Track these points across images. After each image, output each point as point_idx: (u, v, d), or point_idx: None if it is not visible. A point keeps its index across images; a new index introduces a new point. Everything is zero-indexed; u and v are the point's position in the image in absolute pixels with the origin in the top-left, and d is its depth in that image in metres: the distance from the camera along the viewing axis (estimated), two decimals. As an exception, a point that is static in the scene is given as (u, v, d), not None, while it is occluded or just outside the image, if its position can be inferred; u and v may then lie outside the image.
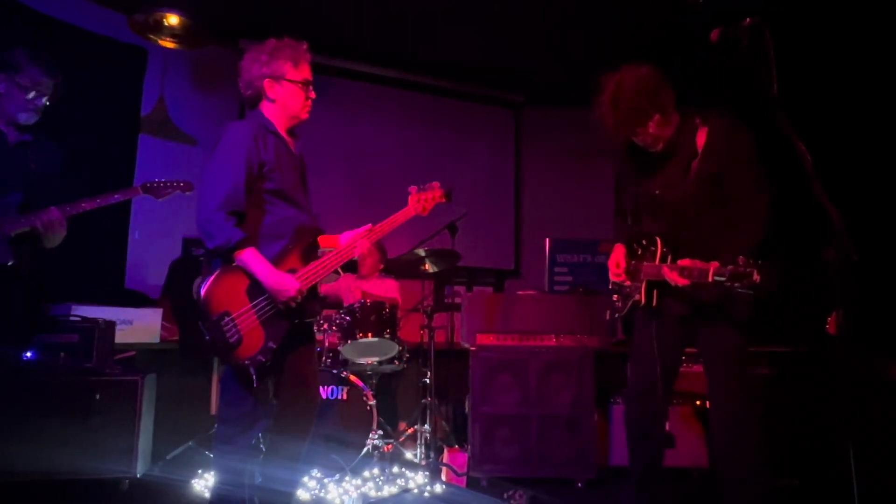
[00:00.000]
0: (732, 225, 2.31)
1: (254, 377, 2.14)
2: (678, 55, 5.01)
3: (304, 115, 2.38)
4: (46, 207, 2.53)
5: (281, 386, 2.38)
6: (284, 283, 2.16)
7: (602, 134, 2.41)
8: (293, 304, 2.19)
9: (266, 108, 2.35)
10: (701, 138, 2.39)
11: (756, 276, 2.06)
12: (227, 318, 2.12)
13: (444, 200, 2.61)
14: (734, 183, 2.33)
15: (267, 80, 2.30)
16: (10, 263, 2.47)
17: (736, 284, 2.08)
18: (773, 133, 1.81)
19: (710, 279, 2.14)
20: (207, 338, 2.13)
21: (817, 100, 4.21)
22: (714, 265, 2.13)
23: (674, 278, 2.28)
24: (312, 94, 2.38)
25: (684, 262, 2.26)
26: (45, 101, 2.64)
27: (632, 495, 2.55)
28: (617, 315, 2.62)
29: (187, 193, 2.78)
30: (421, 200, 2.55)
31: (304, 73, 2.35)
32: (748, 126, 2.39)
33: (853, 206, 2.16)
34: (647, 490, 2.54)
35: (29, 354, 3.23)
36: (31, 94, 2.59)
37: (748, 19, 1.86)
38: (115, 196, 2.63)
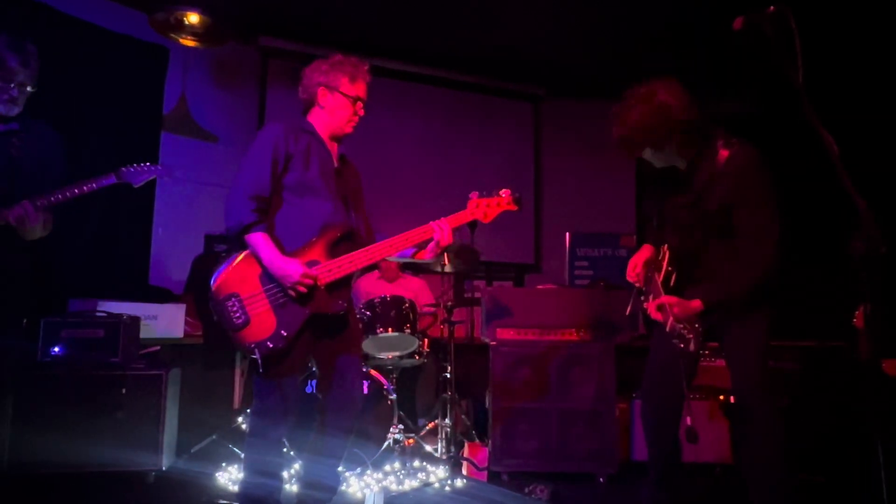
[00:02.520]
0: (735, 260, 2.29)
1: (259, 362, 2.17)
2: (699, 46, 4.97)
3: (349, 129, 2.47)
4: (40, 193, 2.56)
5: (319, 382, 2.42)
6: (288, 268, 2.18)
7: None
8: (302, 290, 2.19)
9: (314, 114, 2.45)
10: (718, 165, 2.32)
11: (692, 346, 2.19)
12: (233, 300, 2.17)
13: (513, 208, 2.52)
14: (741, 219, 2.29)
15: (322, 87, 2.41)
16: None
17: (675, 340, 2.22)
18: (798, 123, 1.77)
19: (668, 328, 2.25)
20: (215, 318, 2.18)
21: (844, 85, 4.12)
22: (670, 321, 2.24)
23: (651, 312, 2.33)
24: (361, 112, 2.46)
25: (664, 299, 2.29)
26: (26, 89, 2.62)
27: (652, 491, 2.54)
28: (634, 310, 2.61)
29: (165, 179, 2.80)
30: (481, 206, 2.48)
31: (359, 90, 2.44)
32: (765, 154, 2.32)
33: (881, 197, 2.12)
34: (666, 486, 2.52)
35: (56, 350, 3.29)
36: (3, 84, 2.57)
37: (772, 7, 1.82)
38: (91, 184, 2.63)
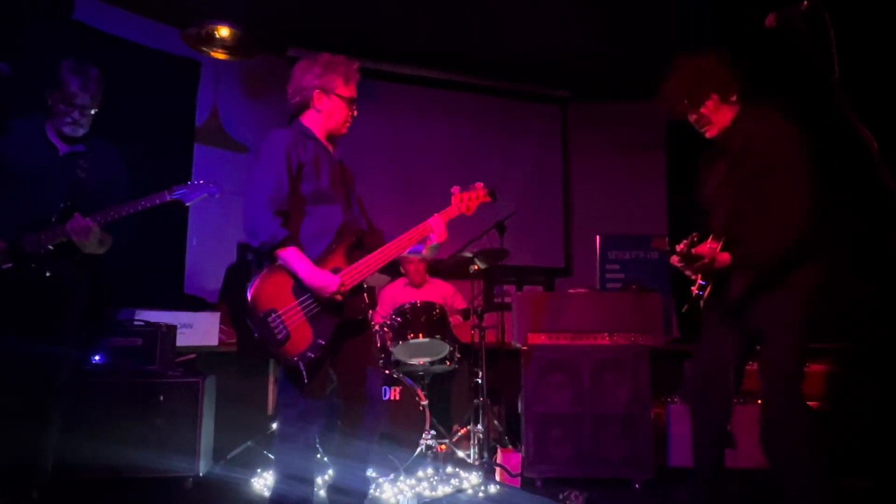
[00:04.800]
0: (770, 225, 2.30)
1: (304, 373, 2.19)
2: (729, 44, 4.89)
3: (344, 130, 2.48)
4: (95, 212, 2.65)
5: (340, 385, 2.44)
6: (324, 279, 2.21)
7: (662, 111, 2.50)
8: (338, 299, 2.23)
9: (309, 117, 2.45)
10: (752, 131, 2.38)
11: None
12: (273, 315, 2.18)
13: (488, 200, 2.63)
14: (773, 183, 2.31)
15: (317, 90, 2.41)
16: (47, 275, 2.58)
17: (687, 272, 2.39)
18: (835, 119, 1.73)
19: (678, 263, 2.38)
20: (256, 335, 2.19)
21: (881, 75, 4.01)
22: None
23: (674, 261, 2.43)
24: (355, 112, 2.47)
25: (695, 249, 2.37)
26: (90, 112, 2.71)
27: (697, 496, 2.50)
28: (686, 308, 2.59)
29: (216, 196, 2.85)
30: (464, 200, 2.58)
31: (352, 91, 2.45)
32: (797, 119, 2.36)
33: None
34: (712, 491, 2.48)
35: (97, 358, 3.38)
36: (66, 108, 2.66)
37: (805, 2, 1.78)
38: (144, 202, 2.70)
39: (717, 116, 2.44)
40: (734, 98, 2.43)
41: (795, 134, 2.34)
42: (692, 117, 2.48)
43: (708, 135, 2.49)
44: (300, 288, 2.23)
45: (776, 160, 2.30)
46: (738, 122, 2.43)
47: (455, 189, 2.59)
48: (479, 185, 2.61)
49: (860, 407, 3.42)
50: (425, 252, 2.56)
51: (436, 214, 2.50)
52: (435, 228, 2.46)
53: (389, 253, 2.40)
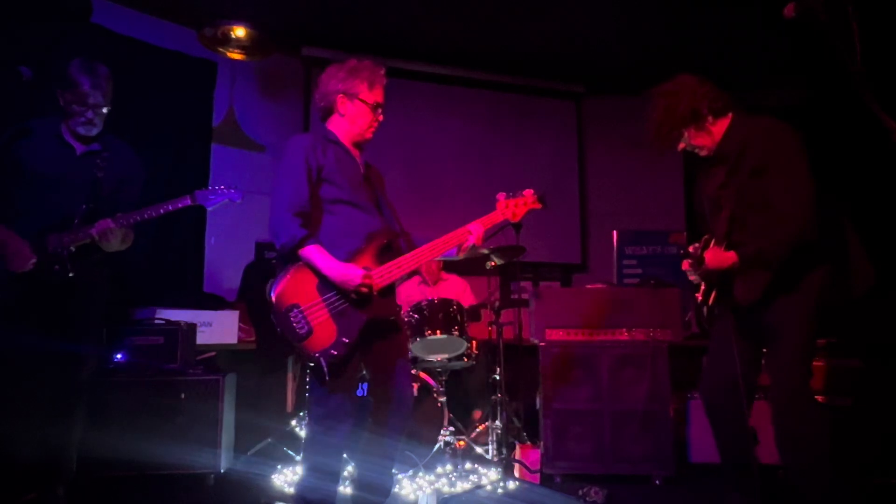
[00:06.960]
0: (770, 227, 2.30)
1: (325, 370, 2.20)
2: (746, 35, 4.84)
3: (369, 135, 2.49)
4: (120, 211, 2.69)
5: (371, 384, 2.46)
6: (348, 273, 2.22)
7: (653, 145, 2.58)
8: (365, 291, 2.23)
9: (334, 122, 2.47)
10: (746, 134, 2.41)
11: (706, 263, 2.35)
12: (295, 311, 2.19)
13: (538, 206, 2.63)
14: (774, 182, 2.31)
15: (341, 95, 2.43)
16: (70, 276, 2.62)
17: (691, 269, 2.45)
18: (859, 111, 1.70)
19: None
20: (279, 330, 2.20)
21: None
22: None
23: (685, 266, 2.51)
24: (380, 118, 2.48)
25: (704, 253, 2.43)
26: (103, 111, 2.73)
27: (736, 497, 2.49)
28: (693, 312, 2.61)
29: (237, 202, 2.87)
30: (510, 206, 2.58)
31: (377, 96, 2.46)
32: (791, 124, 2.39)
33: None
34: (748, 487, 2.47)
35: (119, 357, 3.42)
36: (80, 108, 2.69)
37: (823, -9, 1.75)
38: (167, 206, 2.75)
39: (701, 142, 2.49)
40: (724, 110, 2.46)
41: (788, 131, 2.35)
42: (681, 146, 2.52)
43: (703, 153, 2.53)
44: (325, 285, 2.24)
45: (771, 159, 2.31)
46: (732, 130, 2.45)
47: (500, 195, 2.59)
48: (529, 191, 2.61)
49: (888, 403, 3.37)
50: (460, 255, 2.55)
51: (477, 220, 2.50)
52: (473, 233, 2.47)
53: (423, 256, 2.41)
